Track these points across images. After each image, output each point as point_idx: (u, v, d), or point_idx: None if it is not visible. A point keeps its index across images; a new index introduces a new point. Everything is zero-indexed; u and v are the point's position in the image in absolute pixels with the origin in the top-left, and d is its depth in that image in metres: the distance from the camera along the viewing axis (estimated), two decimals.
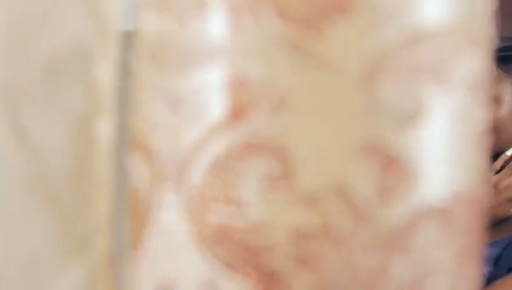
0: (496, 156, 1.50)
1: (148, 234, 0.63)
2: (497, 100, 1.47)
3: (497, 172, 1.44)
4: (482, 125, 0.44)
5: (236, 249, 0.61)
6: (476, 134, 0.44)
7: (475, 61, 0.45)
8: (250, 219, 0.60)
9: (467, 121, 0.43)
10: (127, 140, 0.64)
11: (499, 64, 1.44)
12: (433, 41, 0.44)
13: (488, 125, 0.44)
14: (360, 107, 0.44)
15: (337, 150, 0.45)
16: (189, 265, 0.61)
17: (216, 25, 0.60)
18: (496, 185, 1.41)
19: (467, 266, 0.43)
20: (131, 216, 0.63)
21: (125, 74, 0.65)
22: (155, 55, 0.63)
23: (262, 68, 0.58)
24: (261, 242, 0.59)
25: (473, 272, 0.44)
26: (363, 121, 0.44)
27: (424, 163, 0.43)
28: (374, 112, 0.43)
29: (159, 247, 0.62)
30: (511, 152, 1.46)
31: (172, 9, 0.61)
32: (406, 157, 0.43)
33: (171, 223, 0.62)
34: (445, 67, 0.44)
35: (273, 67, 0.57)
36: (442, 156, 0.42)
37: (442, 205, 0.42)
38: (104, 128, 0.65)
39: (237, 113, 0.60)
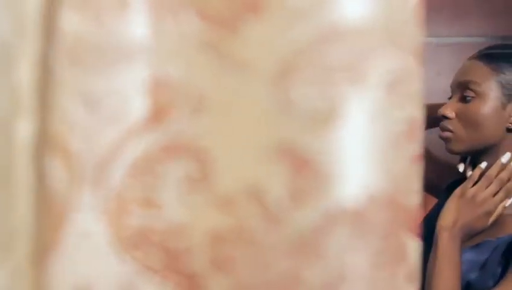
0: (478, 152, 1.50)
1: (65, 234, 0.62)
2: (482, 97, 1.48)
3: (474, 184, 1.44)
4: (402, 126, 0.44)
5: (156, 252, 0.60)
6: (393, 135, 0.44)
7: (394, 61, 0.44)
8: (170, 221, 0.59)
9: (383, 122, 0.42)
10: (45, 141, 0.63)
11: (488, 62, 1.46)
12: (348, 40, 0.43)
13: (410, 126, 0.44)
14: (273, 107, 0.43)
15: (251, 152, 0.44)
16: (107, 267, 0.60)
17: (137, 26, 0.59)
18: (473, 198, 1.41)
19: (384, 270, 0.43)
20: (46, 217, 0.62)
21: (45, 73, 0.64)
22: (75, 55, 0.62)
23: (182, 69, 0.57)
24: (180, 245, 0.58)
25: (390, 276, 0.43)
26: (275, 122, 0.43)
27: (337, 165, 0.42)
28: (286, 113, 0.43)
29: (76, 248, 0.61)
30: (485, 164, 1.47)
31: (93, 9, 0.61)
32: (319, 159, 0.43)
33: (87, 224, 0.61)
34: (360, 67, 0.43)
35: (193, 68, 0.56)
36: (356, 158, 0.41)
37: (356, 208, 0.42)
38: (24, 129, 0.64)
39: (157, 115, 0.59)
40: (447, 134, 1.53)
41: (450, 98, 1.57)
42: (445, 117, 1.52)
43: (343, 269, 0.41)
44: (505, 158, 1.46)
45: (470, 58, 1.54)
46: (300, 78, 0.43)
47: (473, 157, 1.57)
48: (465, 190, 1.44)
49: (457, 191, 1.47)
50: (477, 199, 1.40)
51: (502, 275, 1.38)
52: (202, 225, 0.56)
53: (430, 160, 1.73)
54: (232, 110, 0.46)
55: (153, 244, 0.60)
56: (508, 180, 1.44)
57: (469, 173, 1.53)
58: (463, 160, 1.58)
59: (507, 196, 1.44)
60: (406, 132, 0.42)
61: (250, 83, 0.44)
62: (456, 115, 1.52)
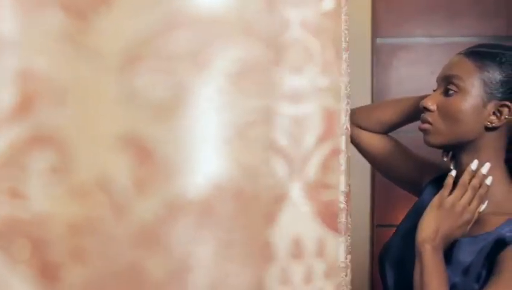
0: (457, 148, 1.49)
1: None
2: (464, 92, 1.46)
3: (450, 193, 1.43)
4: (250, 116, 0.44)
5: (21, 242, 0.61)
6: (242, 125, 0.44)
7: (244, 50, 0.44)
8: (35, 212, 0.60)
9: (229, 111, 0.43)
10: None
11: (474, 59, 1.45)
12: (194, 28, 0.43)
13: (264, 116, 0.44)
14: (119, 97, 0.43)
15: (102, 142, 0.44)
16: None
17: (3, 20, 0.59)
18: (452, 208, 1.40)
19: (231, 261, 0.43)
20: None
21: None
22: None
23: (48, 61, 0.58)
24: (43, 235, 0.59)
25: (240, 268, 0.43)
26: (121, 112, 0.43)
27: (181, 155, 0.42)
28: (131, 102, 0.43)
29: None
30: (455, 172, 1.46)
31: None
32: (162, 149, 0.42)
33: None
34: (205, 55, 0.43)
35: (57, 61, 0.57)
36: (201, 148, 0.42)
37: (201, 198, 0.42)
38: None
39: (23, 106, 0.60)
40: (425, 126, 1.49)
41: (434, 90, 1.55)
42: (426, 109, 1.51)
43: (188, 259, 0.40)
44: (474, 165, 1.44)
45: (458, 54, 1.53)
46: (145, 67, 0.42)
47: (454, 154, 1.56)
48: (443, 199, 1.40)
49: (435, 201, 1.42)
50: (456, 208, 1.39)
51: (487, 278, 1.36)
52: (62, 215, 0.56)
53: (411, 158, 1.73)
54: (88, 100, 0.46)
55: (18, 234, 0.60)
56: (480, 186, 1.44)
57: (452, 169, 1.53)
58: (446, 153, 1.57)
59: (481, 202, 1.44)
60: (257, 122, 0.43)
61: (101, 72, 0.44)
62: (437, 108, 1.49)
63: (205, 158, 0.40)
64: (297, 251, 0.58)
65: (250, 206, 0.41)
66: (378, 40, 2.49)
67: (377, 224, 2.46)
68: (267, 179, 0.42)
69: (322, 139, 0.57)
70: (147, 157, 0.41)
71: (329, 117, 0.57)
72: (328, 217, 0.58)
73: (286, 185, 0.57)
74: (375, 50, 2.49)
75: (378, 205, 2.46)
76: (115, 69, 0.42)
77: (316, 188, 0.57)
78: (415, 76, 2.46)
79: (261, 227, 0.44)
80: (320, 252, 0.58)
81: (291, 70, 0.58)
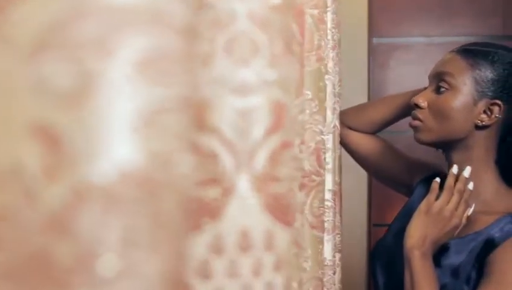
0: (447, 146, 1.48)
1: None
2: (455, 90, 1.45)
3: (437, 198, 1.42)
4: (160, 104, 0.44)
5: None
6: (148, 113, 0.43)
7: (152, 38, 0.44)
8: None
9: (136, 99, 0.43)
10: None
11: (466, 57, 1.43)
12: (101, 15, 0.43)
13: (173, 104, 0.44)
14: (28, 85, 0.43)
15: (12, 130, 0.44)
16: None
17: None
18: (439, 213, 1.39)
19: (139, 248, 0.43)
20: None
21: None
22: None
23: None
24: None
25: (148, 256, 0.43)
26: (30, 100, 0.43)
27: (88, 143, 0.42)
28: (39, 91, 0.43)
29: None
30: (439, 179, 1.45)
31: None
32: (70, 137, 0.42)
33: None
34: (112, 44, 0.43)
35: None
36: (108, 136, 0.42)
37: (107, 186, 0.42)
38: None
39: None
40: (416, 123, 1.48)
41: (425, 88, 1.55)
42: (417, 106, 1.50)
43: (95, 246, 0.40)
44: (455, 169, 1.44)
45: (451, 52, 1.52)
46: (53, 56, 0.42)
47: (444, 152, 1.55)
48: (430, 204, 1.43)
49: (422, 206, 1.46)
50: (444, 213, 1.37)
51: (477, 280, 1.35)
52: None
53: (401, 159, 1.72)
54: (1, 90, 0.46)
55: None
56: (464, 189, 1.43)
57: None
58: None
59: (468, 206, 1.42)
60: (168, 110, 0.43)
61: (13, 62, 0.44)
62: (428, 105, 1.49)
63: (112, 146, 0.40)
64: (245, 243, 0.58)
65: (160, 194, 0.41)
66: (375, 40, 2.49)
67: (373, 223, 2.46)
68: (182, 167, 0.42)
69: (270, 132, 0.57)
70: (55, 144, 0.41)
71: (278, 110, 0.57)
72: (277, 209, 0.58)
73: (233, 178, 0.57)
74: (371, 50, 2.49)
75: (374, 205, 2.47)
76: (26, 57, 0.42)
77: (265, 181, 0.58)
78: (411, 76, 2.45)
79: (175, 214, 0.44)
80: (269, 245, 0.58)
81: (238, 63, 0.58)
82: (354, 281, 2.40)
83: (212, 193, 0.56)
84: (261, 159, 0.58)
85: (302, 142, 0.83)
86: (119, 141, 0.42)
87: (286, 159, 0.60)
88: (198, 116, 0.56)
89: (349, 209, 2.25)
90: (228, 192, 0.57)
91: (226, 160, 0.57)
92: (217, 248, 0.57)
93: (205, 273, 0.57)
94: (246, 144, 0.57)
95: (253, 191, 0.58)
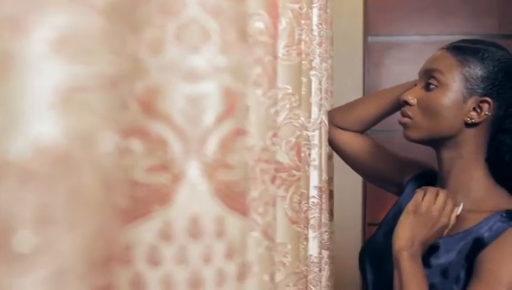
0: (437, 144, 1.47)
1: None
2: (444, 87, 1.44)
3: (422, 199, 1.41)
4: (76, 82, 0.43)
5: None
6: (64, 91, 0.43)
7: (68, 17, 0.44)
8: None
9: (51, 77, 0.42)
10: None
11: (456, 54, 1.42)
12: None
13: (92, 83, 0.43)
14: None
15: None
16: None
17: None
18: (427, 213, 1.38)
19: (55, 225, 0.42)
20: None
21: None
22: None
23: None
24: None
25: (65, 233, 0.42)
26: None
27: (3, 120, 0.42)
28: None
29: None
30: (425, 188, 1.43)
31: None
32: None
33: None
34: (27, 22, 0.43)
35: None
36: (24, 113, 0.41)
37: (22, 162, 0.41)
38: None
39: None
40: (405, 120, 1.46)
41: (415, 84, 1.53)
42: (406, 103, 1.49)
43: (11, 222, 0.40)
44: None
45: (441, 49, 1.51)
46: None
47: (435, 149, 1.54)
48: (418, 204, 1.43)
49: (410, 206, 1.45)
50: (432, 213, 1.36)
51: (466, 279, 1.34)
52: None
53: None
54: None
55: None
56: None
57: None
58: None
59: (455, 204, 1.42)
60: (85, 88, 0.43)
61: None
62: (418, 102, 1.51)
63: (28, 123, 0.40)
64: (195, 230, 0.58)
65: (79, 171, 0.41)
66: (370, 39, 2.49)
67: (368, 222, 2.46)
68: (106, 146, 0.42)
69: (221, 118, 0.57)
70: None
71: (230, 97, 0.57)
72: (228, 197, 0.58)
73: (183, 164, 0.57)
74: (366, 48, 2.48)
75: (369, 204, 2.46)
76: None
77: (215, 168, 0.58)
78: (406, 74, 2.44)
79: (97, 192, 0.43)
80: (220, 232, 0.58)
81: (188, 50, 0.58)
82: (348, 280, 2.40)
83: (161, 179, 0.56)
84: (211, 146, 0.58)
85: (275, 135, 0.83)
86: (35, 118, 0.41)
87: (239, 147, 0.60)
88: (148, 102, 0.56)
89: (344, 208, 2.25)
90: (178, 178, 0.57)
91: (176, 146, 0.57)
92: (166, 235, 0.57)
93: (154, 260, 0.56)
94: (196, 130, 0.57)
95: (203, 178, 0.57)
